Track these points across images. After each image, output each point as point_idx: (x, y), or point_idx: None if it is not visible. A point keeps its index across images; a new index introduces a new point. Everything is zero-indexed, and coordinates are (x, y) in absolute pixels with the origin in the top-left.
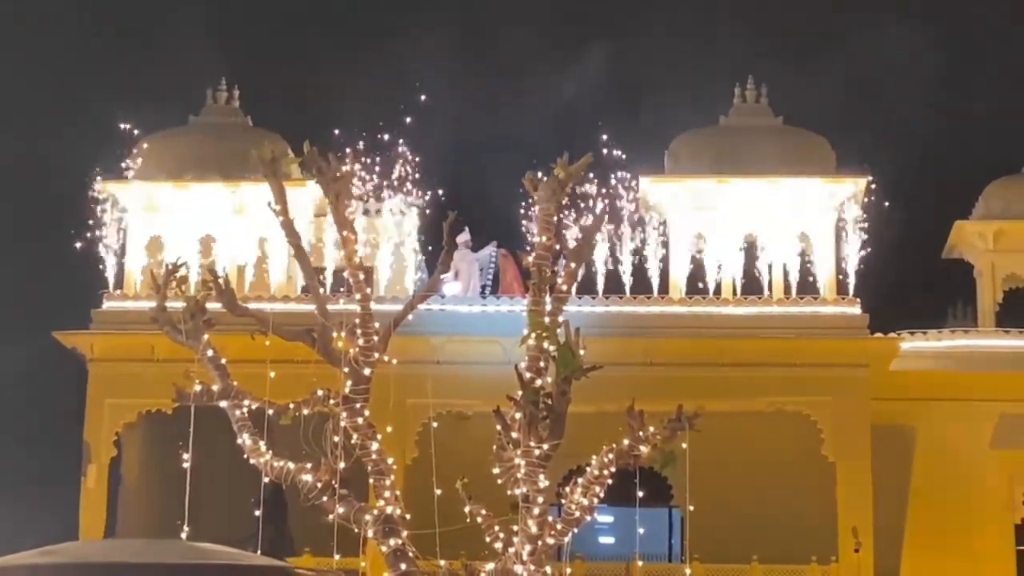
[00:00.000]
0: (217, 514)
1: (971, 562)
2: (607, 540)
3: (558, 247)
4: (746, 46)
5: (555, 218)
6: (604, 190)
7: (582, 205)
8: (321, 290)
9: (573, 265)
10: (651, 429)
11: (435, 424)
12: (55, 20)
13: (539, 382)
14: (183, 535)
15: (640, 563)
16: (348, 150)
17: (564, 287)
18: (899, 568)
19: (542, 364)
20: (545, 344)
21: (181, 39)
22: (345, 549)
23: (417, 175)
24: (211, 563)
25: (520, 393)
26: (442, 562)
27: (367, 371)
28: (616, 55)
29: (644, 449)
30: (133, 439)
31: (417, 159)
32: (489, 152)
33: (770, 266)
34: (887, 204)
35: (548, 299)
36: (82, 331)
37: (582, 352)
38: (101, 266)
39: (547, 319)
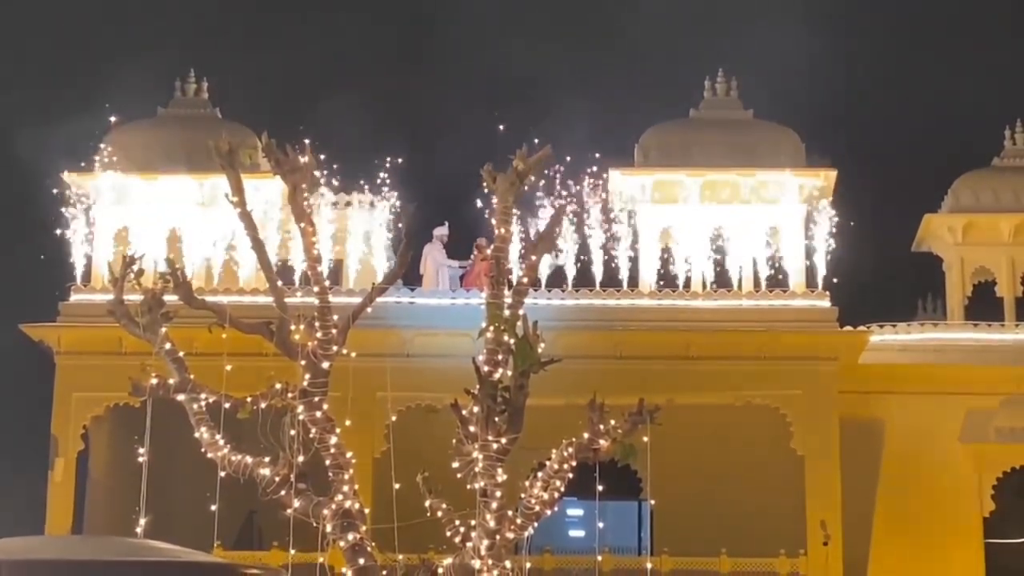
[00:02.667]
0: (192, 508)
1: (939, 555)
2: (577, 533)
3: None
4: (713, 39)
5: (513, 210)
6: (571, 182)
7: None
8: (280, 282)
9: (534, 258)
10: (612, 422)
11: (394, 418)
12: (19, 11)
13: (497, 375)
14: (139, 529)
15: (599, 557)
16: (307, 141)
17: (524, 280)
18: (867, 561)
19: (500, 357)
20: (504, 337)
21: (150, 29)
22: (312, 543)
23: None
24: (142, 560)
25: (478, 387)
26: (400, 556)
27: (325, 364)
28: (587, 46)
29: (604, 442)
30: (101, 432)
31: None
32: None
33: (740, 260)
34: (856, 196)
35: (507, 292)
36: (49, 324)
37: (541, 346)
38: (69, 259)
39: (507, 312)
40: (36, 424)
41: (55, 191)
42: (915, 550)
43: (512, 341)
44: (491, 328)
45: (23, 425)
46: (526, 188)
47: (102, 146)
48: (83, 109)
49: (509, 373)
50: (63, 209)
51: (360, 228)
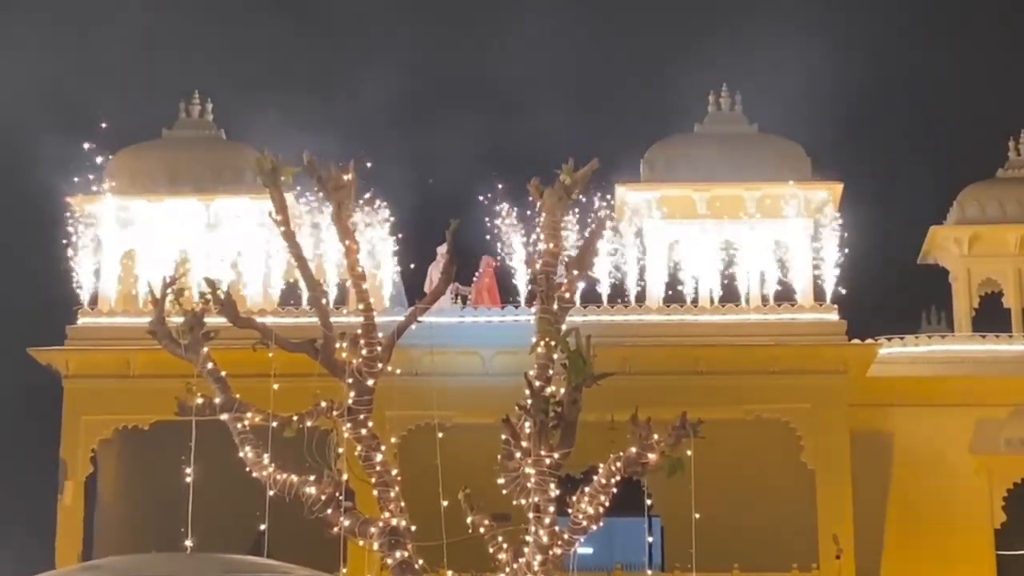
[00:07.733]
0: (202, 527)
1: (951, 567)
2: (585, 550)
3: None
4: (717, 53)
5: (561, 225)
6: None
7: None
8: (324, 300)
9: (576, 273)
10: (655, 436)
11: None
12: (21, 33)
13: (549, 390)
14: (188, 548)
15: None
16: (352, 161)
17: (567, 295)
18: (879, 574)
19: (551, 372)
20: (555, 353)
21: (153, 52)
22: (329, 559)
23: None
24: None
25: (529, 401)
26: (449, 573)
27: (370, 382)
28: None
29: (652, 456)
30: (109, 456)
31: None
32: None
33: (747, 274)
34: (862, 209)
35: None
36: (57, 348)
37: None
38: (75, 282)
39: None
40: (44, 448)
41: (60, 215)
42: (927, 562)
43: (564, 356)
44: (542, 343)
45: (31, 449)
46: (573, 201)
47: (107, 168)
48: (88, 132)
49: (553, 388)
50: (69, 232)
51: (363, 246)
